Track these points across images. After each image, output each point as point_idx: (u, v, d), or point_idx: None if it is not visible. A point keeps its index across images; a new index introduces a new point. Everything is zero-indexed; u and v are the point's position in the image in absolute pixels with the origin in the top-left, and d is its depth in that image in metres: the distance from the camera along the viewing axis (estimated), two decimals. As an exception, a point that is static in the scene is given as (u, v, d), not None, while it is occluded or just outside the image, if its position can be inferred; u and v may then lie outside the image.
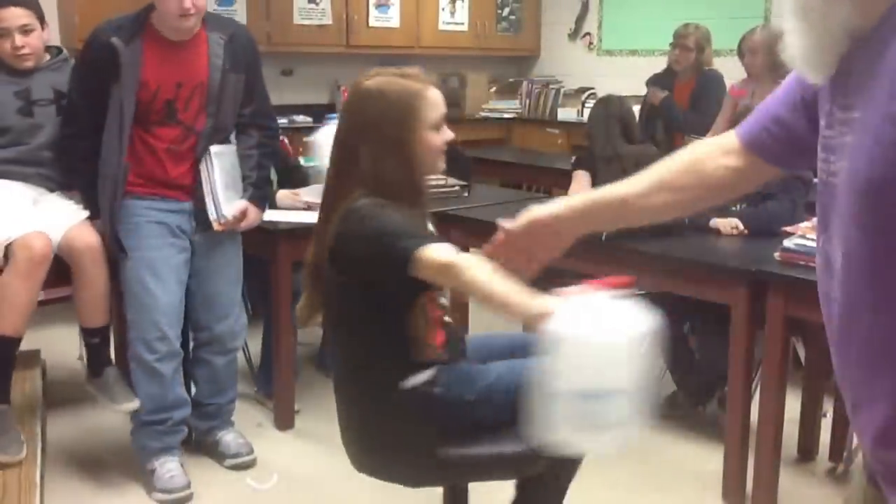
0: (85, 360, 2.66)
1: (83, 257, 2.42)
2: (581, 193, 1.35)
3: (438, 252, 1.53)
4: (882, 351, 0.90)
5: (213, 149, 2.47)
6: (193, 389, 2.71)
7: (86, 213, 2.51)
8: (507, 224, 1.37)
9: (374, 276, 1.63)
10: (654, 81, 4.34)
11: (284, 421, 2.85)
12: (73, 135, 2.48)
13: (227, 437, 2.69)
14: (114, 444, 2.79)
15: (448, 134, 1.75)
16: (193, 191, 2.48)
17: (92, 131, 2.42)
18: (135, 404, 2.48)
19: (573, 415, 1.23)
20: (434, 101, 1.71)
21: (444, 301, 1.79)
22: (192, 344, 2.68)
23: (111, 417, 3.01)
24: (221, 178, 2.48)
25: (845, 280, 0.93)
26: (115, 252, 2.46)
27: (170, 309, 2.45)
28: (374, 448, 1.73)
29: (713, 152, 1.21)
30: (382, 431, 1.70)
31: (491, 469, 1.75)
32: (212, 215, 2.48)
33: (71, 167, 2.52)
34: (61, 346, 3.38)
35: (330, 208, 1.69)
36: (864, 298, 0.91)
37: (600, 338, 1.22)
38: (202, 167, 2.47)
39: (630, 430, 1.27)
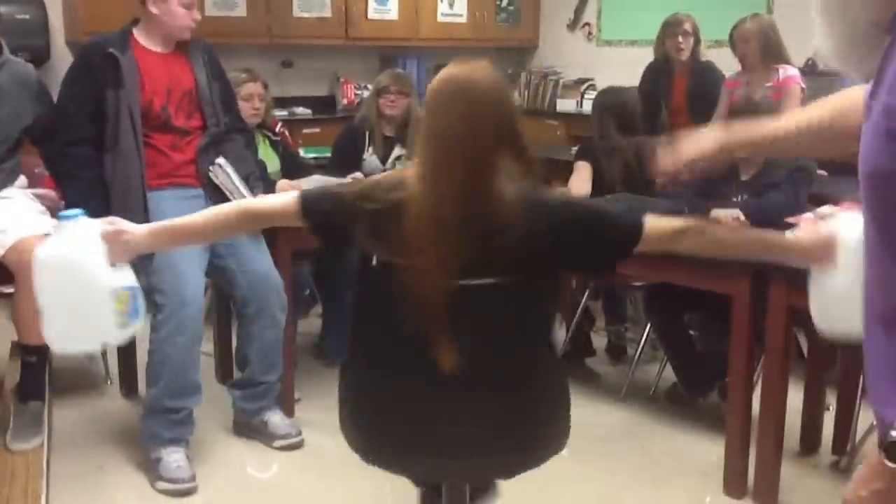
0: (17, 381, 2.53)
1: (28, 268, 2.29)
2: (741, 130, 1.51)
3: (661, 221, 1.58)
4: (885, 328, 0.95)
5: (219, 160, 2.64)
6: (237, 375, 2.80)
7: (45, 225, 2.42)
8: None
9: (583, 262, 1.66)
10: (651, 74, 4.22)
11: (285, 410, 2.85)
12: (73, 142, 2.54)
13: (275, 419, 2.74)
14: (118, 432, 2.80)
15: None
16: (200, 176, 2.63)
17: (90, 139, 2.55)
18: (28, 447, 2.37)
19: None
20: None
21: None
22: (237, 329, 2.75)
23: (116, 406, 3.05)
24: (238, 179, 2.65)
25: (865, 262, 0.98)
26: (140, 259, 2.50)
27: (195, 288, 2.48)
28: (549, 429, 1.65)
29: (856, 101, 1.22)
30: (559, 407, 1.65)
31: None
32: None
33: (71, 174, 2.54)
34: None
35: (485, 202, 1.50)
36: (872, 278, 0.96)
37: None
38: (214, 176, 2.62)
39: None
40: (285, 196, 1.66)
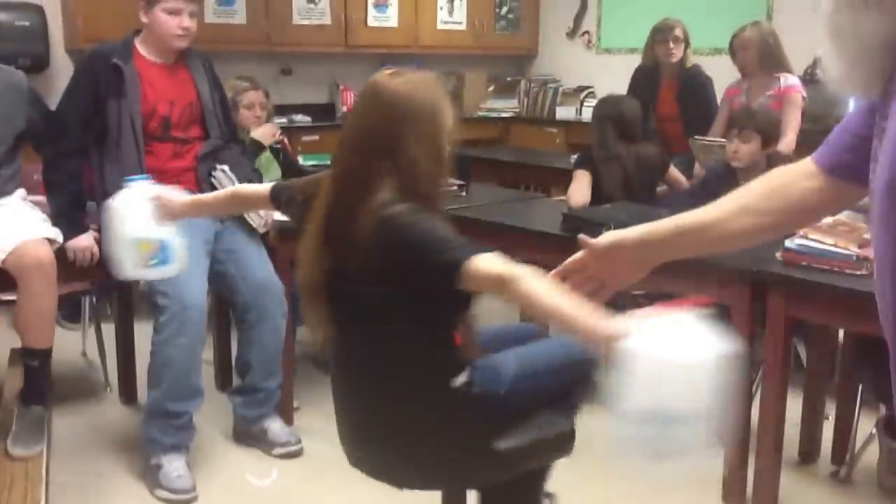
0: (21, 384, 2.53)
1: (30, 272, 2.34)
2: (662, 221, 1.29)
3: (490, 263, 1.47)
4: None
5: (222, 166, 2.69)
6: (237, 382, 2.82)
7: (45, 230, 2.44)
8: (590, 241, 1.31)
9: (421, 285, 1.57)
10: (639, 80, 4.17)
11: (284, 417, 2.85)
12: (66, 152, 2.57)
13: (275, 426, 2.75)
14: (118, 440, 2.80)
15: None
16: (200, 182, 2.68)
17: (82, 150, 2.59)
18: (30, 454, 2.35)
19: (641, 437, 1.21)
20: (451, 110, 1.71)
21: None
22: (237, 335, 2.77)
23: (115, 413, 3.05)
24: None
25: (876, 280, 0.96)
26: None
27: (198, 291, 2.49)
28: (430, 456, 1.69)
29: (795, 177, 1.20)
30: (440, 437, 1.67)
31: (539, 453, 1.79)
32: (253, 222, 2.70)
33: (60, 184, 2.55)
34: (65, 342, 3.38)
35: (350, 212, 1.59)
36: (888, 298, 0.94)
37: (677, 358, 1.17)
38: (217, 182, 2.67)
39: (697, 457, 1.23)
40: (264, 185, 1.93)
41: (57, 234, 2.48)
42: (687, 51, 3.99)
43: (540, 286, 1.39)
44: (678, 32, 3.95)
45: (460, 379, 1.68)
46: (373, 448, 1.75)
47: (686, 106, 3.98)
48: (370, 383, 1.71)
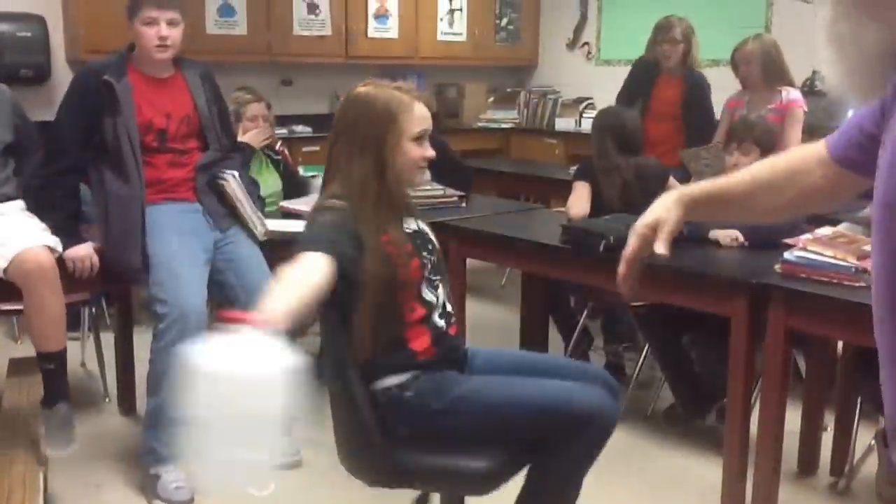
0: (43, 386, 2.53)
1: (34, 278, 2.34)
2: (703, 184, 1.37)
3: (291, 268, 1.55)
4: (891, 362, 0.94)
5: (231, 172, 2.69)
6: None
7: (45, 238, 2.44)
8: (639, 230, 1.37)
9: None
10: (636, 74, 4.11)
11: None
12: (61, 171, 2.56)
13: None
14: (116, 450, 2.80)
15: (429, 151, 1.80)
16: (198, 192, 2.67)
17: (77, 169, 2.58)
18: (64, 453, 2.41)
19: (207, 446, 1.24)
20: (420, 115, 1.76)
21: (430, 298, 1.79)
22: None
23: (114, 423, 3.04)
24: (244, 195, 2.71)
25: (873, 294, 0.97)
26: (140, 273, 2.52)
27: (197, 298, 2.49)
28: (342, 444, 1.78)
29: (811, 164, 1.23)
30: (350, 429, 1.75)
31: (443, 481, 1.77)
32: (255, 230, 2.73)
33: (54, 203, 2.55)
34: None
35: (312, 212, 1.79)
36: (881, 315, 0.95)
37: (238, 372, 1.21)
38: (227, 184, 2.67)
39: (261, 465, 1.29)
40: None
41: (56, 242, 2.48)
42: (692, 52, 3.91)
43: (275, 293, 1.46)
44: (676, 34, 3.87)
45: (393, 380, 1.73)
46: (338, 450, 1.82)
47: (688, 109, 3.93)
48: (328, 377, 1.77)
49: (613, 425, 1.79)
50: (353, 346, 1.71)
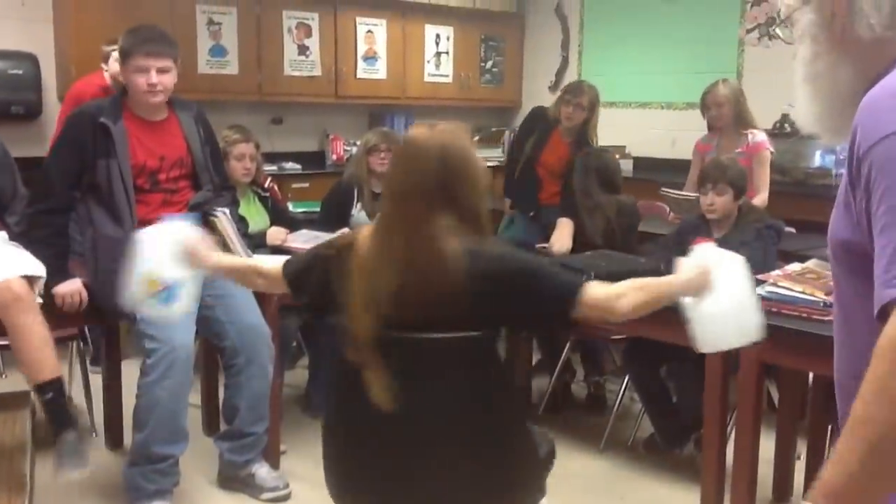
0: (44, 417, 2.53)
1: (13, 309, 2.34)
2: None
3: (599, 288, 1.65)
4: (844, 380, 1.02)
5: (223, 209, 2.72)
6: (224, 427, 2.81)
7: (21, 268, 2.43)
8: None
9: (526, 316, 1.69)
10: (536, 118, 4.03)
11: (270, 461, 2.87)
12: (49, 210, 2.57)
13: (262, 471, 2.75)
14: (103, 486, 2.79)
15: None
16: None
17: (65, 208, 2.59)
18: (72, 476, 2.42)
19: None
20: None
21: None
22: (225, 380, 2.76)
23: (100, 458, 3.00)
24: (234, 233, 2.73)
25: (834, 320, 1.06)
26: (127, 313, 2.50)
27: (185, 333, 2.50)
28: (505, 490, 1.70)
29: None
30: (517, 472, 1.72)
31: (548, 461, 1.87)
32: None
33: (43, 241, 2.54)
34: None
35: (424, 258, 1.60)
36: (838, 339, 1.04)
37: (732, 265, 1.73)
38: (218, 222, 2.70)
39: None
40: (276, 263, 1.84)
41: (39, 268, 2.46)
42: (591, 122, 3.85)
43: (638, 290, 1.67)
44: (584, 101, 3.81)
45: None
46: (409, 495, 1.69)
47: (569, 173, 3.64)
48: (438, 432, 1.65)
49: None
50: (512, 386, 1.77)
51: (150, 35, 2.63)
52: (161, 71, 2.59)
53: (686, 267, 1.73)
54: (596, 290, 1.64)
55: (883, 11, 0.97)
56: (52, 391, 2.44)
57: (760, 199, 3.54)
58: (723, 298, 1.70)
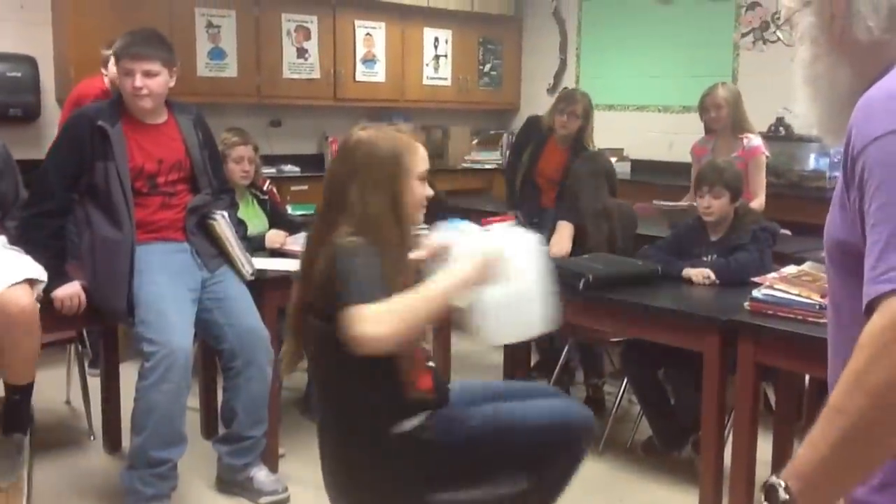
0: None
1: (12, 322, 2.34)
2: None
3: (363, 311, 1.52)
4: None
5: (222, 212, 2.71)
6: (222, 431, 2.81)
7: (26, 272, 2.44)
8: None
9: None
10: (532, 127, 4.04)
11: (269, 465, 2.87)
12: (47, 213, 2.56)
13: (261, 475, 2.75)
14: (101, 490, 2.78)
15: (428, 190, 1.85)
16: (187, 232, 2.69)
17: (63, 210, 2.59)
18: (2, 483, 2.40)
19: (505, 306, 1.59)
20: (422, 155, 1.82)
21: (427, 345, 1.86)
22: (224, 383, 2.76)
23: (99, 462, 3.01)
24: (233, 236, 2.73)
25: (828, 321, 1.07)
26: (125, 316, 2.55)
27: (183, 337, 2.51)
28: (363, 496, 1.74)
29: None
30: (373, 478, 1.71)
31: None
32: (243, 269, 2.76)
33: (41, 243, 2.54)
34: (48, 390, 3.38)
35: (315, 249, 1.74)
36: (831, 340, 1.05)
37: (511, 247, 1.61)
38: (217, 225, 2.70)
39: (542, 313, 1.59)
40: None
41: (40, 272, 2.46)
42: (587, 130, 3.86)
43: (407, 302, 1.57)
44: (577, 109, 3.82)
45: (411, 422, 1.71)
46: (336, 491, 1.78)
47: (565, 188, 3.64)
48: (330, 424, 1.78)
49: (593, 424, 1.96)
50: (391, 390, 1.68)
51: (139, 38, 2.61)
52: (148, 74, 2.56)
53: (465, 256, 1.60)
54: (352, 314, 1.52)
55: (881, 14, 0.99)
56: (21, 394, 2.46)
57: (758, 202, 3.57)
58: (502, 287, 1.56)
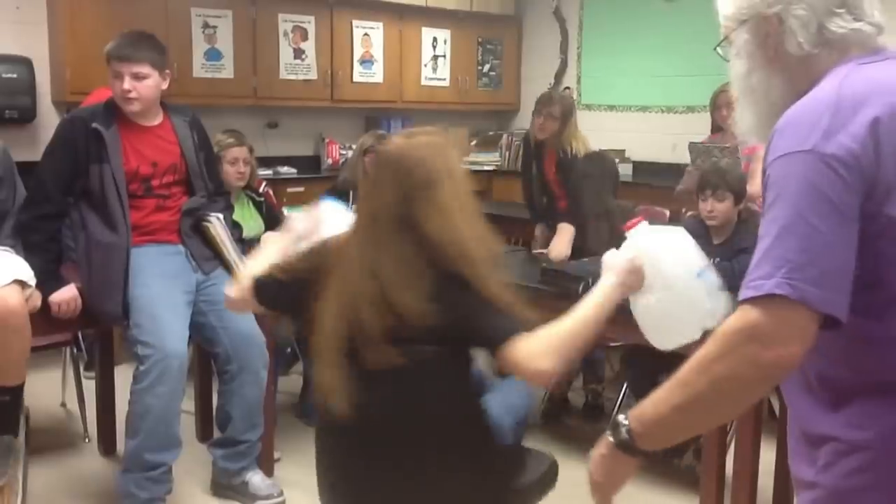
0: None
1: (4, 322, 2.33)
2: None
3: (527, 342, 1.50)
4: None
5: (217, 214, 2.70)
6: (217, 434, 2.80)
7: (13, 272, 2.41)
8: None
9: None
10: (526, 142, 3.93)
11: (264, 469, 2.85)
12: (42, 216, 2.55)
13: (256, 479, 2.74)
14: (96, 493, 2.78)
15: None
16: (182, 235, 2.68)
17: (59, 214, 2.58)
18: None
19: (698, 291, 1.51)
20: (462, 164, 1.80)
21: None
22: (218, 387, 2.75)
23: (94, 465, 3.02)
24: (228, 238, 2.72)
25: None
26: (119, 319, 2.54)
27: (178, 340, 2.49)
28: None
29: None
30: (476, 486, 1.64)
31: (542, 485, 1.84)
32: (238, 272, 2.69)
33: (37, 247, 2.53)
34: (44, 392, 3.38)
35: (398, 269, 1.55)
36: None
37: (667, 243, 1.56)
38: (213, 227, 2.69)
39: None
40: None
41: (29, 276, 2.44)
42: (566, 132, 3.62)
43: (552, 352, 1.49)
44: (555, 111, 3.59)
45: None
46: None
47: (566, 185, 3.63)
48: (401, 442, 1.63)
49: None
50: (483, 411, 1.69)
51: (128, 40, 2.59)
52: (136, 77, 2.54)
53: (611, 267, 1.56)
54: (516, 352, 1.49)
55: (810, 31, 1.10)
56: (10, 395, 2.44)
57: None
58: (655, 293, 1.50)
